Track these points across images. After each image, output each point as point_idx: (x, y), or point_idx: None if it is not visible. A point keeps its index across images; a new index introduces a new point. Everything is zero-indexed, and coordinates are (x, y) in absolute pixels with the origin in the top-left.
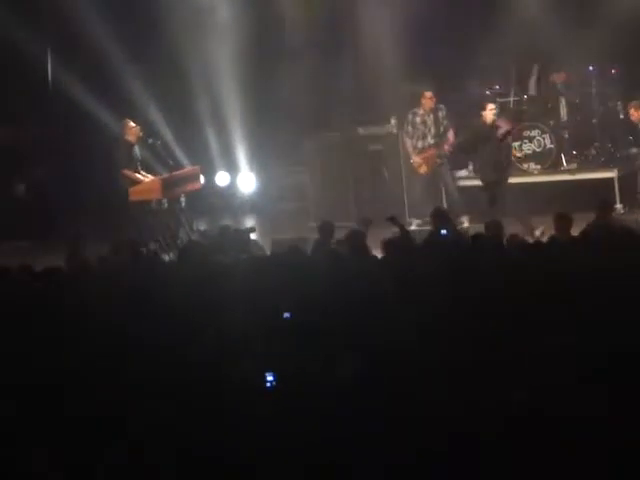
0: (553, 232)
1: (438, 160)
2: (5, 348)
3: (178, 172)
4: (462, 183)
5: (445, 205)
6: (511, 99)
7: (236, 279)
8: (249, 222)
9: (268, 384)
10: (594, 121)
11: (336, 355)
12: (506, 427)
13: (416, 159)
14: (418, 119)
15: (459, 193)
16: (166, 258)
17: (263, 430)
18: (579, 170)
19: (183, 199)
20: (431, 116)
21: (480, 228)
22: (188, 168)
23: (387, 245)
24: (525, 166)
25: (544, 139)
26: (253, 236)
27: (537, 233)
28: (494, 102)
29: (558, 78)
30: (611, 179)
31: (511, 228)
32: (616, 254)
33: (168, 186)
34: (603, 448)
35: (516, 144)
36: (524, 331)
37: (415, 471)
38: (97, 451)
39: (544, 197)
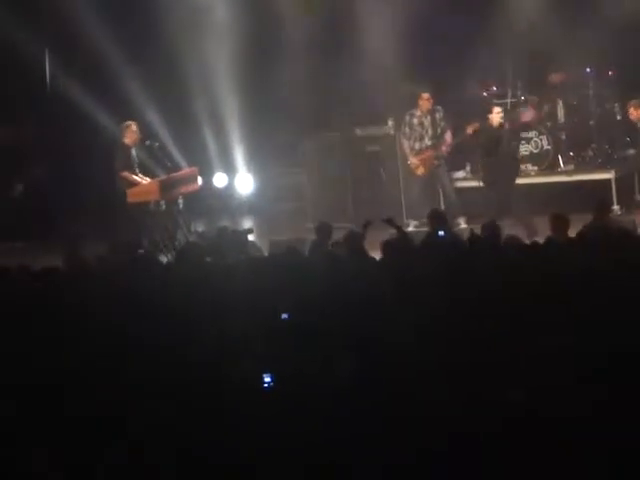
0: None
1: (435, 161)
2: (5, 348)
3: (176, 174)
4: (459, 184)
5: (443, 206)
6: (508, 100)
7: (234, 280)
8: (247, 223)
9: (265, 385)
10: (591, 122)
11: (334, 356)
12: (503, 427)
13: (413, 160)
14: (415, 120)
15: (456, 194)
16: (164, 259)
17: (263, 430)
18: (576, 171)
19: (181, 200)
20: (428, 117)
21: (477, 229)
22: (186, 169)
23: (385, 246)
24: (522, 167)
25: (541, 140)
26: (251, 237)
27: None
28: (500, 104)
29: (556, 79)
30: (608, 180)
31: (514, 229)
32: (613, 255)
33: (166, 187)
34: (601, 448)
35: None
36: (521, 332)
37: (414, 471)
38: (97, 451)
39: (541, 198)
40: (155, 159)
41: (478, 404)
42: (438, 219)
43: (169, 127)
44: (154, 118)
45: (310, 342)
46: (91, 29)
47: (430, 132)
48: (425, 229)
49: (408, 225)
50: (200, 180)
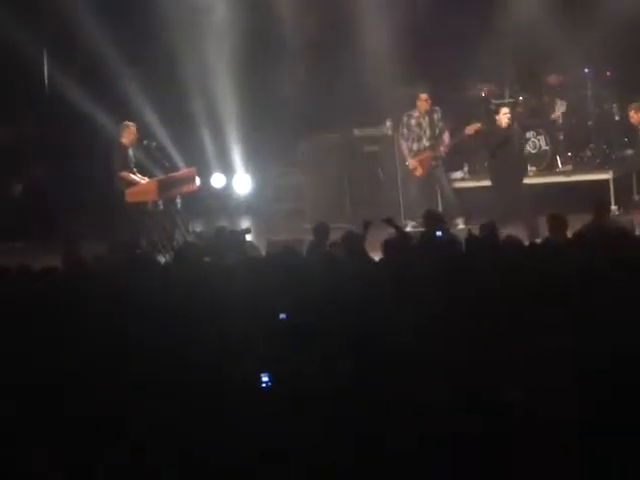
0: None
1: (433, 162)
2: (5, 348)
3: (174, 174)
4: (457, 185)
5: (441, 207)
6: (506, 101)
7: (232, 280)
8: (245, 223)
9: (263, 385)
10: (589, 123)
11: (332, 356)
12: (501, 427)
13: (411, 161)
14: (413, 121)
15: (454, 195)
16: (162, 259)
17: (264, 431)
18: (574, 172)
19: (179, 201)
20: (426, 118)
21: (476, 230)
22: (184, 170)
23: (385, 246)
24: None
25: (539, 141)
26: (249, 237)
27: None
28: (505, 104)
29: (554, 80)
30: (606, 181)
31: (515, 230)
32: (611, 255)
33: (164, 187)
34: (600, 449)
35: None
36: (520, 331)
37: (414, 471)
38: (97, 451)
39: (539, 199)
40: (153, 159)
41: (477, 404)
42: (433, 220)
43: (167, 127)
44: (152, 118)
45: (308, 342)
46: (90, 29)
47: (428, 133)
48: (423, 229)
49: (406, 226)
50: (198, 180)
